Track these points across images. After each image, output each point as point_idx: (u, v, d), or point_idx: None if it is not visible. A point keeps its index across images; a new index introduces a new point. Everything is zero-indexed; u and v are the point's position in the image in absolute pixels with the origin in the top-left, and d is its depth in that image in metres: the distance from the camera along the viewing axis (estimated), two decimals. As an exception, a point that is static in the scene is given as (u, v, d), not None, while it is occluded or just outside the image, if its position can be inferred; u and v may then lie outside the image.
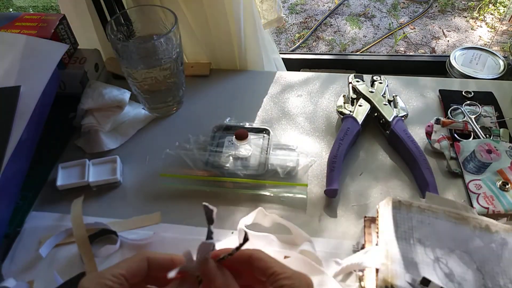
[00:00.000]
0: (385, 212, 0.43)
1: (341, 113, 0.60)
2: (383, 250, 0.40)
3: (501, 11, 2.08)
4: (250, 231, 0.47)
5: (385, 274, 0.38)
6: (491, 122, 0.59)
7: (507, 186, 0.51)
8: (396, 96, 0.62)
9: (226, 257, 0.32)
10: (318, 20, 2.08)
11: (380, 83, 0.63)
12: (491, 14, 2.07)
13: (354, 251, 0.47)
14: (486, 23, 2.02)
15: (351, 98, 0.62)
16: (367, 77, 0.65)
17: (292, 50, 1.94)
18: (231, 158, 0.56)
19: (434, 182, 0.52)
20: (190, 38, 0.71)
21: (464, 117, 0.60)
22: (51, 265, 0.47)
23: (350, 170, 0.56)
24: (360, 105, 0.60)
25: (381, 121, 0.60)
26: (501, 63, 0.88)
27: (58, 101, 0.59)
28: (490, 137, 0.57)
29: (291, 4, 2.20)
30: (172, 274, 0.30)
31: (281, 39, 2.01)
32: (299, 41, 1.98)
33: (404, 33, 1.99)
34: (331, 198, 0.53)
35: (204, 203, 0.32)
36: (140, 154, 0.60)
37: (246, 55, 0.71)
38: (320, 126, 0.62)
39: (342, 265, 0.44)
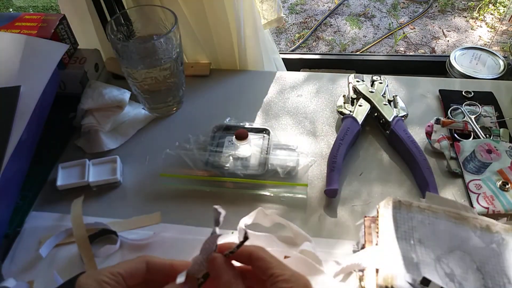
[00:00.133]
0: (385, 212, 0.43)
1: (341, 113, 0.60)
2: (383, 250, 0.40)
3: (501, 11, 2.08)
4: (250, 231, 0.47)
5: (385, 274, 0.38)
6: (491, 122, 0.59)
7: (507, 186, 0.51)
8: (396, 96, 0.62)
9: (228, 255, 0.32)
10: (318, 20, 2.08)
11: (380, 83, 0.63)
12: (491, 14, 2.07)
13: (354, 251, 0.47)
14: (486, 23, 2.02)
15: (351, 98, 0.62)
16: (367, 77, 0.65)
17: (292, 50, 1.93)
18: (231, 158, 0.56)
19: (434, 182, 0.52)
20: (190, 38, 0.71)
21: (464, 117, 0.60)
22: (51, 265, 0.47)
23: (350, 170, 0.56)
24: (360, 105, 0.60)
25: (381, 121, 0.60)
26: (501, 63, 0.88)
27: (58, 101, 0.59)
28: (490, 137, 0.57)
29: (291, 4, 2.20)
30: (181, 279, 0.30)
31: (281, 39, 2.01)
32: (299, 41, 1.98)
33: (404, 33, 1.99)
34: (331, 198, 0.53)
35: (215, 206, 0.32)
36: (140, 154, 0.60)
37: (246, 55, 0.71)
38: (320, 126, 0.62)
39: (342, 265, 0.44)
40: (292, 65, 0.94)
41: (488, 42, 1.92)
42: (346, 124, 0.58)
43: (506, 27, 1.98)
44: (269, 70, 0.79)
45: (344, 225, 0.50)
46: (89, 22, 0.71)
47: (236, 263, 0.34)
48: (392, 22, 2.05)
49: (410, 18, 2.07)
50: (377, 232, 0.42)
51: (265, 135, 0.59)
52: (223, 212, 0.32)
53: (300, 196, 0.53)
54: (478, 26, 2.01)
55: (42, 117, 0.56)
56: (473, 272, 0.39)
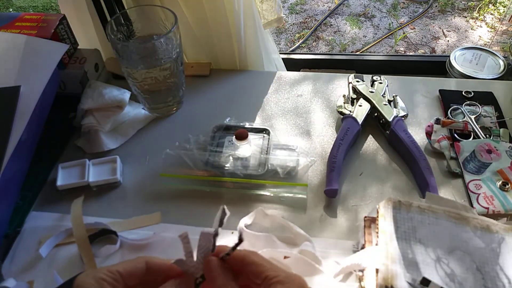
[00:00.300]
0: (385, 212, 0.43)
1: (341, 113, 0.60)
2: (383, 250, 0.40)
3: (501, 11, 2.08)
4: (250, 231, 0.47)
5: (385, 274, 0.38)
6: (491, 122, 0.59)
7: (507, 186, 0.51)
8: (396, 96, 0.62)
9: (225, 257, 0.32)
10: (318, 20, 2.08)
11: (380, 83, 0.63)
12: (491, 14, 2.07)
13: (354, 251, 0.47)
14: (486, 23, 2.02)
15: (351, 98, 0.62)
16: (367, 77, 0.65)
17: (292, 50, 1.93)
18: (231, 158, 0.56)
19: (434, 182, 0.52)
20: (190, 38, 0.71)
21: (464, 117, 0.60)
22: (51, 265, 0.47)
23: (350, 170, 0.56)
24: (360, 105, 0.60)
25: (381, 121, 0.60)
26: (501, 63, 0.88)
27: (58, 101, 0.59)
28: (490, 137, 0.57)
29: (291, 4, 2.20)
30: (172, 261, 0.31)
31: (281, 39, 2.01)
32: (299, 41, 1.98)
33: (404, 33, 1.99)
34: (331, 198, 0.53)
35: (223, 206, 0.32)
36: (140, 154, 0.60)
37: (246, 55, 0.71)
38: (320, 126, 0.62)
39: (342, 265, 0.44)
40: (292, 65, 0.94)
41: (488, 42, 1.92)
42: (346, 124, 0.58)
43: (506, 27, 1.98)
44: (269, 70, 0.79)
45: (344, 225, 0.50)
46: (89, 22, 0.71)
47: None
48: (392, 22, 2.05)
49: (410, 18, 2.07)
50: (377, 232, 0.42)
51: (265, 135, 0.59)
52: (228, 213, 0.32)
53: (300, 196, 0.53)
54: (478, 26, 2.01)
55: (42, 117, 0.56)
56: (473, 272, 0.39)
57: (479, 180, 0.53)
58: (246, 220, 0.48)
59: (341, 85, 0.68)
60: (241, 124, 0.60)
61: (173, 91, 0.62)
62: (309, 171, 0.56)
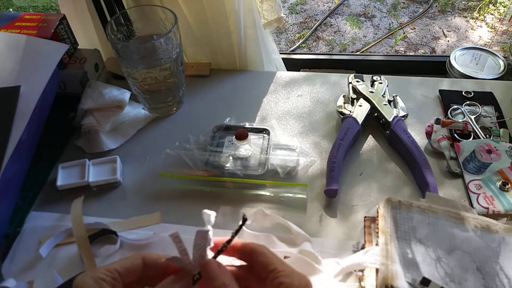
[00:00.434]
0: (385, 212, 0.43)
1: (341, 113, 0.60)
2: (383, 250, 0.40)
3: (501, 11, 2.08)
4: (250, 231, 0.47)
5: (385, 274, 0.38)
6: (491, 122, 0.59)
7: (507, 186, 0.51)
8: (396, 96, 0.62)
9: (225, 247, 0.32)
10: (318, 20, 2.08)
11: (380, 83, 0.63)
12: (491, 14, 2.07)
13: (354, 251, 0.47)
14: (486, 23, 2.02)
15: (351, 98, 0.62)
16: (367, 77, 0.65)
17: (292, 50, 1.93)
18: (231, 158, 0.56)
19: (434, 182, 0.52)
20: (190, 38, 0.71)
21: (464, 117, 0.60)
22: (51, 265, 0.47)
23: (350, 170, 0.56)
24: (360, 105, 0.60)
25: (381, 121, 0.60)
26: (501, 63, 0.88)
27: (58, 101, 0.59)
28: (490, 137, 0.57)
29: (291, 4, 2.20)
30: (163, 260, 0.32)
31: (281, 39, 2.01)
32: (299, 41, 1.98)
33: (404, 33, 1.99)
34: (331, 198, 0.53)
35: (204, 211, 0.33)
36: (140, 154, 0.60)
37: (246, 55, 0.71)
38: (320, 126, 0.62)
39: (342, 265, 0.44)
40: (292, 65, 0.94)
41: (488, 42, 1.92)
42: (346, 124, 0.58)
43: (506, 27, 1.98)
44: (269, 70, 0.79)
45: (344, 225, 0.50)
46: (89, 22, 0.71)
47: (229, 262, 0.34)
48: (392, 22, 2.05)
49: (410, 18, 2.07)
50: (377, 232, 0.42)
51: (265, 135, 0.59)
52: (213, 213, 0.33)
53: (300, 196, 0.53)
54: (478, 26, 2.01)
55: (42, 117, 0.56)
56: (473, 272, 0.39)
57: (479, 180, 0.53)
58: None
59: (341, 85, 0.68)
60: (241, 124, 0.60)
61: (173, 91, 0.62)
62: (309, 171, 0.56)
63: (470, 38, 1.95)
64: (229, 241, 0.33)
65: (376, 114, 0.60)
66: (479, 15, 2.06)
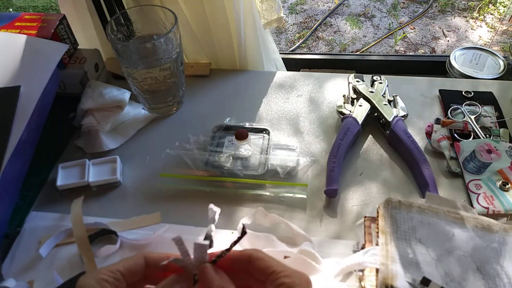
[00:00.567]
0: (385, 212, 0.43)
1: (341, 113, 0.60)
2: (383, 250, 0.40)
3: (501, 11, 2.08)
4: (250, 231, 0.47)
5: (385, 274, 0.38)
6: (491, 122, 0.59)
7: (507, 186, 0.51)
8: (396, 96, 0.62)
9: (224, 254, 0.32)
10: (318, 20, 2.08)
11: (380, 83, 0.63)
12: (491, 14, 2.07)
13: (354, 251, 0.47)
14: (486, 23, 2.02)
15: (351, 98, 0.62)
16: (367, 77, 0.65)
17: (292, 50, 1.94)
18: (231, 158, 0.56)
19: (434, 182, 0.52)
20: (190, 38, 0.71)
21: (464, 117, 0.60)
22: (51, 265, 0.47)
23: (350, 170, 0.56)
24: (360, 105, 0.60)
25: (381, 121, 0.60)
26: (501, 63, 0.88)
27: (58, 101, 0.59)
28: (490, 137, 0.57)
29: (291, 4, 2.20)
30: (164, 262, 0.31)
31: (281, 39, 2.01)
32: (299, 41, 1.98)
33: (404, 33, 1.99)
34: (331, 198, 0.53)
35: (210, 206, 0.33)
36: (140, 154, 0.60)
37: (246, 55, 0.71)
38: (320, 126, 0.62)
39: (342, 265, 0.44)
40: (292, 65, 0.94)
41: (488, 42, 1.92)
42: (346, 124, 0.58)
43: (506, 27, 1.98)
44: (269, 70, 0.79)
45: (344, 225, 0.50)
46: (89, 22, 0.71)
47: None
48: (392, 22, 2.05)
49: (410, 18, 2.07)
50: (377, 232, 0.42)
51: (265, 135, 0.59)
52: (218, 209, 0.33)
53: (300, 196, 0.53)
54: (478, 26, 2.01)
55: (42, 117, 0.56)
56: (473, 272, 0.39)
57: (479, 180, 0.53)
58: (246, 220, 0.48)
59: (341, 85, 0.68)
60: (241, 124, 0.60)
61: (173, 91, 0.62)
62: (309, 171, 0.56)
63: (470, 38, 1.95)
64: (227, 250, 0.33)
65: (376, 114, 0.60)
66: (479, 15, 2.06)
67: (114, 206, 0.54)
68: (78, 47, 0.68)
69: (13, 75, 0.55)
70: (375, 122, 0.61)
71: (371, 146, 0.59)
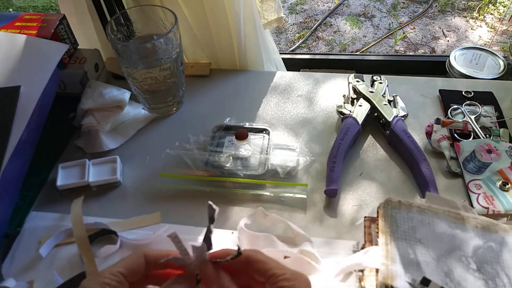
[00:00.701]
0: (385, 212, 0.43)
1: (341, 113, 0.60)
2: (383, 250, 0.40)
3: (501, 11, 2.08)
4: (250, 231, 0.47)
5: (385, 274, 0.38)
6: (491, 122, 0.59)
7: (507, 186, 0.51)
8: (396, 96, 0.62)
9: (223, 262, 0.32)
10: (318, 20, 2.08)
11: (380, 83, 0.63)
12: (491, 14, 2.07)
13: (354, 251, 0.47)
14: (486, 23, 2.02)
15: (351, 98, 0.62)
16: (367, 77, 0.65)
17: (292, 50, 1.94)
18: (231, 158, 0.56)
19: (434, 182, 0.52)
20: (190, 38, 0.71)
21: (464, 117, 0.60)
22: (51, 265, 0.47)
23: (350, 170, 0.56)
24: (360, 105, 0.60)
25: (381, 121, 0.60)
26: (501, 63, 0.88)
27: (58, 101, 0.59)
28: (490, 137, 0.57)
29: (291, 4, 2.20)
30: (162, 261, 0.31)
31: (281, 39, 2.01)
32: (299, 41, 1.98)
33: (404, 33, 1.99)
34: (331, 198, 0.53)
35: (209, 202, 0.33)
36: (140, 154, 0.60)
37: (246, 55, 0.71)
38: (320, 126, 0.62)
39: (342, 265, 0.44)
40: (292, 65, 0.94)
41: (488, 42, 1.92)
42: (346, 124, 0.58)
43: (506, 27, 1.98)
44: (269, 70, 0.79)
45: (344, 225, 0.50)
46: (89, 22, 0.71)
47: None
48: (392, 22, 2.05)
49: (410, 18, 2.07)
50: (377, 232, 0.42)
51: (265, 135, 0.59)
52: (217, 208, 0.33)
53: (300, 196, 0.53)
54: (478, 26, 2.01)
55: (42, 117, 0.56)
56: (473, 272, 0.39)
57: (479, 180, 0.53)
58: (246, 220, 0.48)
59: (341, 85, 0.68)
60: (241, 124, 0.60)
61: (173, 91, 0.62)
62: (309, 171, 0.56)
63: (470, 38, 1.95)
64: (226, 260, 0.32)
65: (376, 114, 0.60)
66: (479, 15, 2.06)
67: (114, 206, 0.54)
68: (78, 47, 0.68)
69: (13, 75, 0.55)
70: (375, 122, 0.61)
71: (371, 146, 0.59)
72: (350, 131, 0.57)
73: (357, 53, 1.89)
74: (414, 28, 2.02)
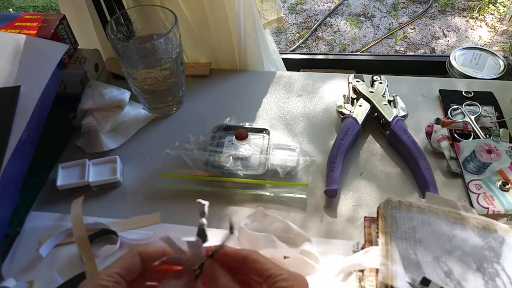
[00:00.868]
0: (385, 212, 0.43)
1: (341, 113, 0.60)
2: (383, 250, 0.40)
3: (501, 11, 2.08)
4: (250, 231, 0.47)
5: (385, 274, 0.38)
6: (491, 122, 0.59)
7: (507, 186, 0.51)
8: (396, 96, 0.62)
9: (216, 251, 0.32)
10: (318, 20, 2.08)
11: (380, 83, 0.63)
12: (491, 14, 2.07)
13: (354, 251, 0.47)
14: (486, 23, 2.02)
15: (351, 98, 0.62)
16: (367, 77, 0.65)
17: (292, 50, 1.94)
18: (231, 158, 0.56)
19: (434, 182, 0.52)
20: (190, 38, 0.71)
21: (464, 117, 0.60)
22: (51, 265, 0.47)
23: (350, 170, 0.56)
24: (360, 105, 0.60)
25: (381, 121, 0.60)
26: (501, 63, 0.88)
27: (58, 101, 0.59)
28: (490, 137, 0.57)
29: (291, 4, 2.20)
30: (157, 263, 0.31)
31: (281, 39, 2.01)
32: (299, 41, 1.98)
33: (404, 33, 1.99)
34: (331, 198, 0.53)
35: (198, 200, 0.33)
36: (140, 154, 0.60)
37: (246, 55, 0.71)
38: (320, 126, 0.62)
39: (342, 265, 0.44)
40: (292, 65, 0.94)
41: (488, 42, 1.92)
42: (346, 124, 0.58)
43: (506, 27, 1.98)
44: (269, 70, 0.79)
45: (344, 225, 0.50)
46: (89, 22, 0.71)
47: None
48: (392, 22, 2.05)
49: (410, 18, 2.07)
50: (377, 232, 0.42)
51: (265, 135, 0.59)
52: (206, 203, 0.33)
53: (300, 196, 0.53)
54: (478, 26, 2.01)
55: (42, 117, 0.56)
56: (473, 272, 0.39)
57: (479, 180, 0.53)
58: (245, 220, 0.48)
59: (341, 85, 0.68)
60: (241, 124, 0.60)
61: (173, 91, 0.62)
62: (309, 171, 0.56)
63: (470, 38, 1.95)
64: (221, 245, 0.33)
65: (376, 114, 0.60)
66: (479, 15, 2.06)
67: (114, 206, 0.54)
68: (78, 47, 0.68)
69: (13, 75, 0.55)
70: (375, 122, 0.61)
71: (371, 146, 0.59)
72: (350, 131, 0.57)
73: (357, 53, 1.89)
74: (414, 28, 2.02)
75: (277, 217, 0.49)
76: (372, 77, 0.64)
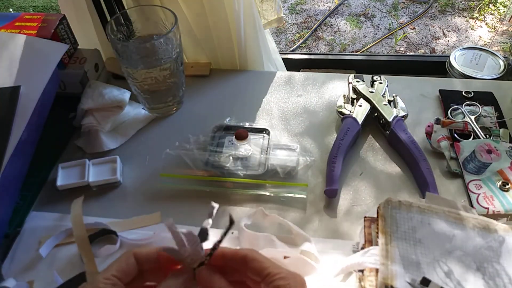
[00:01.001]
0: (385, 212, 0.43)
1: (341, 113, 0.60)
2: (383, 250, 0.40)
3: (501, 11, 2.08)
4: (250, 231, 0.47)
5: (385, 274, 0.38)
6: (491, 122, 0.59)
7: (507, 186, 0.51)
8: (396, 96, 0.62)
9: (217, 246, 0.33)
10: (318, 20, 2.08)
11: (380, 83, 0.63)
12: (491, 14, 2.07)
13: (354, 251, 0.47)
14: (486, 23, 2.02)
15: (351, 98, 0.62)
16: (367, 77, 0.65)
17: (292, 50, 1.94)
18: (231, 158, 0.56)
19: (434, 182, 0.52)
20: (190, 38, 0.71)
21: (464, 117, 0.60)
22: (51, 265, 0.47)
23: (350, 170, 0.56)
24: (360, 105, 0.60)
25: (381, 121, 0.60)
26: (501, 63, 0.88)
27: (58, 101, 0.59)
28: (490, 137, 0.57)
29: (291, 4, 2.20)
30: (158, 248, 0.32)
31: (281, 39, 2.01)
32: (299, 41, 1.98)
33: (404, 33, 1.99)
34: (331, 198, 0.53)
35: (212, 203, 0.34)
36: (140, 154, 0.60)
37: (246, 55, 0.71)
38: (320, 126, 0.62)
39: (342, 265, 0.44)
40: (292, 65, 0.94)
41: (488, 42, 1.92)
42: (346, 124, 0.58)
43: (506, 27, 1.98)
44: (269, 70, 0.79)
45: (344, 225, 0.50)
46: (89, 22, 0.71)
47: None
48: (392, 22, 2.05)
49: (410, 18, 2.07)
50: (377, 232, 0.42)
51: (265, 135, 0.59)
52: (216, 205, 0.34)
53: (300, 196, 0.53)
54: (478, 26, 2.01)
55: (42, 117, 0.56)
56: (473, 272, 0.39)
57: (479, 180, 0.53)
58: (245, 220, 0.48)
59: (341, 85, 0.68)
60: (241, 124, 0.60)
61: (173, 91, 0.62)
62: (309, 171, 0.56)
63: (470, 38, 1.95)
64: (219, 241, 0.33)
65: (376, 114, 0.60)
66: (479, 15, 2.06)
67: (114, 206, 0.54)
68: (78, 47, 0.68)
69: (13, 75, 0.55)
70: (375, 122, 0.61)
71: (371, 146, 0.59)
72: (350, 131, 0.57)
73: (357, 53, 1.89)
74: (414, 28, 2.02)
75: (277, 217, 0.49)
76: (372, 77, 0.64)
